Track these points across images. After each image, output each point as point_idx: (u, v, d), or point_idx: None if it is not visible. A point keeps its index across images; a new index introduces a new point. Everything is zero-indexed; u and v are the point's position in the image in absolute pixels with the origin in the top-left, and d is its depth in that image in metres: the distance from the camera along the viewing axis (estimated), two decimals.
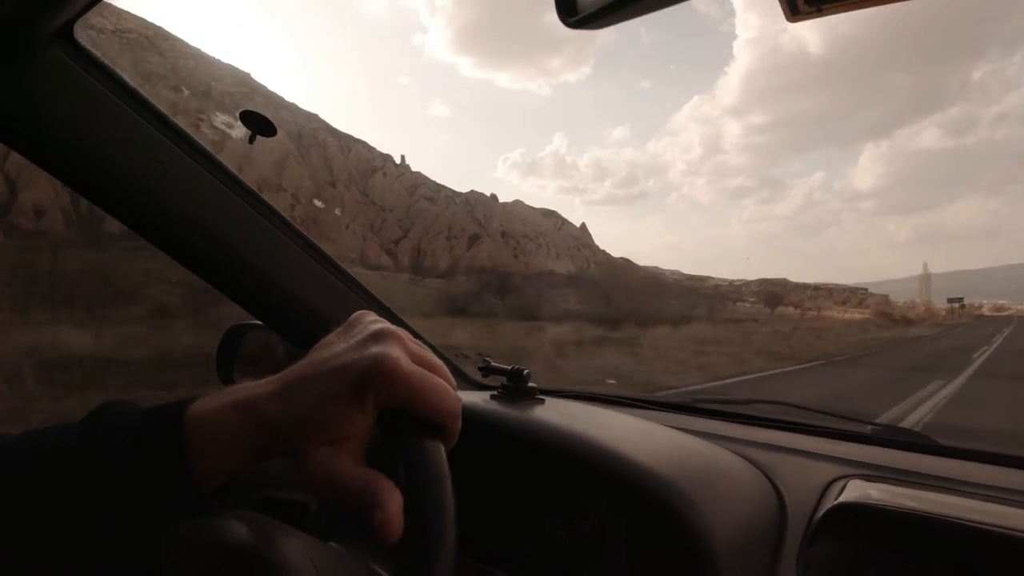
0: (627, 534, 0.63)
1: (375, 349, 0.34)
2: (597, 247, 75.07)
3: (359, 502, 0.32)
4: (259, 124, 0.74)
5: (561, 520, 0.68)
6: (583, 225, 77.17)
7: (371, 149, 62.22)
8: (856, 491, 0.66)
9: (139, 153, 0.64)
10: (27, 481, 0.34)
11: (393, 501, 0.31)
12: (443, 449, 0.34)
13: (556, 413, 0.77)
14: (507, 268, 42.45)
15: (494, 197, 66.95)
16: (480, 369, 0.89)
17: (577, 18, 0.37)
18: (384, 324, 0.37)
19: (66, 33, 0.56)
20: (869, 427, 0.92)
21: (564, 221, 75.73)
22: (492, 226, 60.87)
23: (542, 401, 0.81)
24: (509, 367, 0.84)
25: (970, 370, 9.23)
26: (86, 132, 0.61)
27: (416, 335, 0.79)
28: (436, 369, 0.36)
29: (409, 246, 47.70)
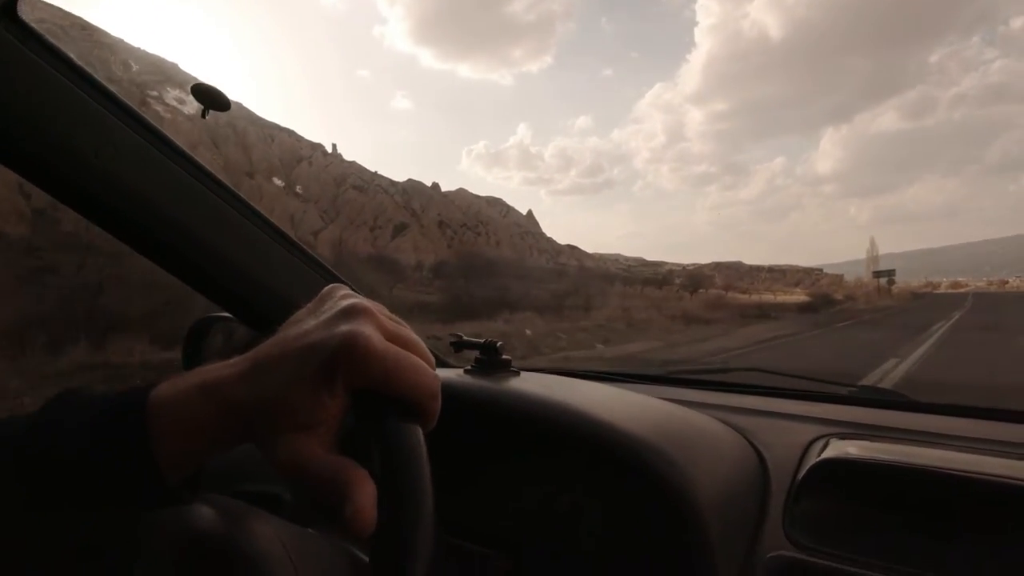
0: (609, 502, 0.63)
1: (345, 327, 0.32)
2: (542, 234, 74.25)
3: (329, 493, 0.30)
4: (211, 98, 0.71)
5: (542, 490, 0.68)
6: (530, 212, 76.48)
7: (299, 138, 59.88)
8: (837, 449, 0.69)
9: (89, 134, 0.61)
10: None
11: (365, 492, 0.30)
12: (421, 432, 0.32)
13: (533, 384, 0.78)
14: (432, 258, 40.69)
15: (435, 186, 65.35)
16: (451, 345, 0.90)
17: None
18: (356, 299, 0.35)
19: (9, 10, 0.55)
20: (846, 388, 0.95)
21: (509, 208, 74.68)
22: (428, 215, 59.03)
23: (517, 373, 0.82)
24: (481, 340, 0.84)
25: None
26: (33, 113, 0.58)
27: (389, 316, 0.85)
28: (412, 346, 0.34)
29: (329, 237, 45.56)
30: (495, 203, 73.10)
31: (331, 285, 0.38)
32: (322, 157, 57.72)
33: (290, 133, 58.63)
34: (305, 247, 0.81)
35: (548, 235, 74.23)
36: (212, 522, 0.44)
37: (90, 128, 0.61)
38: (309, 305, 0.37)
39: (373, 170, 61.02)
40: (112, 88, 0.62)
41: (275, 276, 0.77)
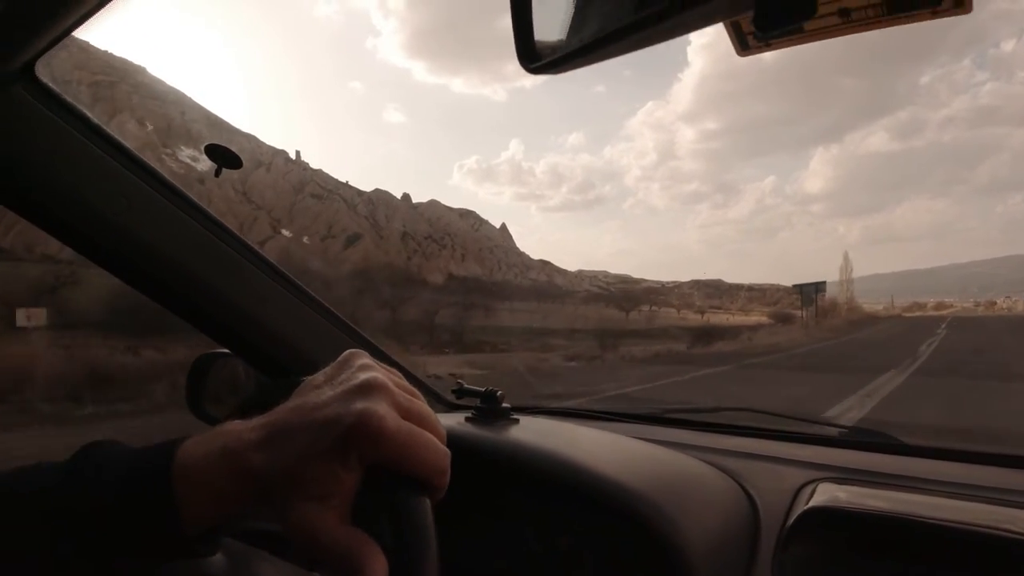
0: (603, 548, 0.66)
1: (360, 404, 0.33)
2: (514, 248, 73.19)
3: (340, 564, 0.32)
4: (224, 157, 0.76)
5: (538, 537, 0.71)
6: (503, 226, 75.59)
7: (259, 144, 58.52)
8: (826, 494, 0.70)
9: (103, 188, 0.66)
10: (11, 522, 0.34)
11: (377, 568, 0.31)
12: (429, 506, 0.34)
13: (529, 433, 0.82)
14: (386, 270, 38.78)
15: (406, 197, 63.81)
16: (453, 392, 0.95)
17: (539, 64, 0.38)
18: (372, 373, 0.36)
19: (28, 71, 0.59)
20: (836, 430, 0.98)
21: (483, 222, 73.70)
22: (392, 226, 57.27)
23: (516, 421, 0.86)
24: (483, 389, 0.89)
25: None
26: (49, 168, 0.63)
27: (391, 361, 0.87)
28: (424, 421, 0.36)
29: (277, 246, 43.59)
30: (467, 216, 71.87)
31: (350, 351, 0.39)
32: (283, 164, 56.11)
33: (251, 139, 57.13)
34: (311, 292, 0.86)
35: (521, 250, 73.17)
36: (220, 567, 0.46)
37: (104, 182, 0.65)
38: (328, 370, 0.37)
39: (344, 180, 59.38)
40: (126, 142, 0.67)
41: (279, 320, 0.82)
